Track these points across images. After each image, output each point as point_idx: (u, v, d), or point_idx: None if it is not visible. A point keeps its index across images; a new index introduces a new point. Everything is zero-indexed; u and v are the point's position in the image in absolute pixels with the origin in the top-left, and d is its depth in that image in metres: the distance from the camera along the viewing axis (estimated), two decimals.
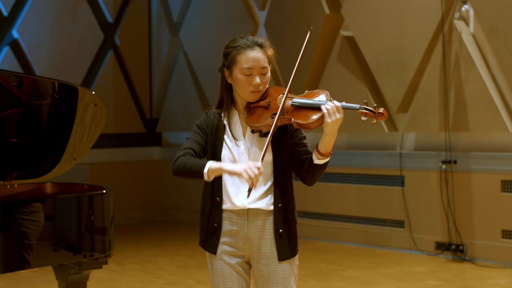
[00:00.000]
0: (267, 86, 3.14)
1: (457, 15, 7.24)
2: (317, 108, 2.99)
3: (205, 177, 3.00)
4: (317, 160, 3.04)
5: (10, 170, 4.46)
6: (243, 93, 3.11)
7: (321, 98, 3.03)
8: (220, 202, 3.12)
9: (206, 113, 3.20)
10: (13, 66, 9.35)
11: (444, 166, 7.38)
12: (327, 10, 8.31)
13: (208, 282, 6.52)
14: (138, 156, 10.52)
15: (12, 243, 3.82)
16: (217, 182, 3.12)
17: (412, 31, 7.59)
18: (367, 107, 2.98)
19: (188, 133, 3.22)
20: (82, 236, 4.09)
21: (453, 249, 7.29)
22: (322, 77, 8.19)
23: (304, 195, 8.41)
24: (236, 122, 3.15)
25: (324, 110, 2.95)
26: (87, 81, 10.05)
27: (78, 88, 4.52)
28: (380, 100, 7.94)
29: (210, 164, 3.00)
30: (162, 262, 7.48)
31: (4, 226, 3.81)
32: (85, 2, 9.97)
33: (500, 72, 7.05)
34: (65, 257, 4.06)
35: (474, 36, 7.23)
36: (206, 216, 3.17)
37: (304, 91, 3.13)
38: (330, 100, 2.99)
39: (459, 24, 7.24)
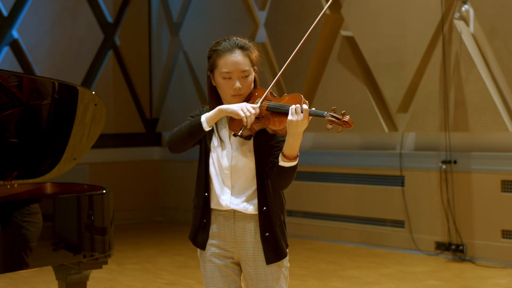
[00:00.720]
0: (252, 88, 3.11)
1: (457, 15, 7.24)
2: (287, 113, 2.95)
3: (204, 125, 3.01)
4: (282, 162, 2.99)
5: (10, 170, 4.46)
6: (225, 97, 3.10)
7: (292, 96, 3.00)
8: (209, 197, 3.15)
9: (200, 109, 3.20)
10: (13, 66, 9.35)
11: (444, 166, 7.38)
12: (327, 10, 8.30)
13: None
14: (138, 156, 10.53)
15: (11, 244, 3.82)
16: (206, 177, 3.15)
17: (412, 31, 7.59)
18: (333, 115, 2.92)
19: None
20: (82, 236, 4.09)
21: (453, 249, 7.29)
22: (322, 77, 8.19)
23: (304, 195, 8.42)
24: (224, 124, 3.14)
25: (291, 108, 2.92)
26: (87, 81, 10.05)
27: (78, 88, 4.52)
28: (380, 100, 7.94)
29: (205, 114, 3.03)
30: (162, 262, 7.48)
31: (6, 225, 3.81)
32: (85, 2, 9.97)
33: (500, 72, 7.05)
34: (65, 257, 4.06)
35: (474, 36, 7.23)
36: (198, 210, 3.20)
37: (284, 94, 3.09)
38: (303, 99, 2.97)
39: (459, 24, 7.24)
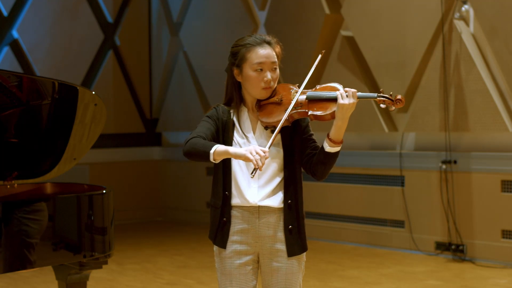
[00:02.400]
0: (277, 81, 3.17)
1: (457, 15, 7.24)
2: (332, 99, 3.05)
3: (211, 158, 3.00)
4: (328, 148, 3.07)
5: (10, 170, 4.46)
6: (254, 90, 3.13)
7: (334, 87, 3.10)
8: (229, 196, 3.14)
9: (215, 108, 3.20)
10: (13, 66, 9.35)
11: (444, 166, 7.38)
12: (327, 10, 8.31)
13: (208, 282, 6.52)
14: (138, 156, 10.53)
15: (14, 243, 3.83)
16: (227, 176, 3.14)
17: (412, 31, 7.59)
18: (384, 95, 3.07)
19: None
20: (82, 236, 4.09)
21: (453, 249, 7.29)
22: (322, 77, 8.19)
23: (304, 195, 8.39)
24: (246, 119, 3.17)
25: (339, 92, 3.02)
26: (87, 81, 10.05)
27: (78, 88, 4.52)
28: None
29: (217, 146, 3.01)
30: (162, 262, 7.48)
31: (6, 225, 3.81)
32: (85, 2, 9.97)
33: (500, 72, 7.05)
34: (65, 257, 4.06)
35: (474, 36, 7.23)
36: (217, 210, 3.18)
37: (316, 86, 3.16)
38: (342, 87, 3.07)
39: (459, 24, 7.24)
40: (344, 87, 3.11)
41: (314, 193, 8.43)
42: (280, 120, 3.04)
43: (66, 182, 4.83)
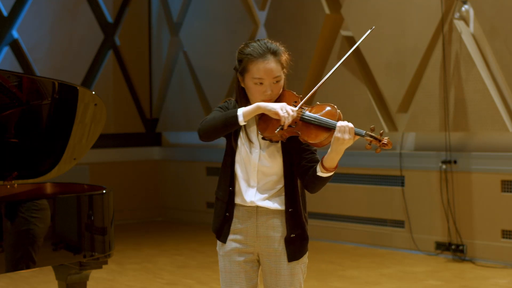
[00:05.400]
0: (281, 90, 3.13)
1: (457, 15, 7.24)
2: (326, 127, 2.99)
3: (240, 119, 3.01)
4: (320, 173, 3.05)
5: (10, 170, 4.46)
6: (255, 100, 3.11)
7: (330, 113, 3.02)
8: (233, 192, 3.15)
9: (227, 101, 3.20)
10: (13, 66, 9.35)
11: (444, 166, 7.38)
12: (327, 10, 8.31)
13: (208, 282, 6.52)
14: (138, 156, 10.52)
15: (22, 242, 3.83)
16: (232, 172, 3.15)
17: (412, 31, 7.59)
18: (371, 134, 2.98)
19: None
20: (82, 236, 4.09)
21: (453, 249, 7.29)
22: (322, 77, 8.18)
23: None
24: (252, 122, 3.15)
25: (338, 126, 2.95)
26: (87, 81, 10.05)
27: (78, 88, 4.52)
28: (380, 100, 7.94)
29: (242, 108, 3.02)
30: (162, 262, 7.48)
31: (13, 224, 3.82)
32: (85, 2, 9.96)
33: (500, 72, 7.05)
34: (65, 257, 4.06)
35: (474, 36, 7.23)
36: (223, 204, 3.19)
37: (315, 103, 3.11)
38: (339, 115, 3.01)
39: (459, 24, 7.24)
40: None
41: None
42: (275, 135, 3.01)
43: (66, 182, 4.83)
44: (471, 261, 7.13)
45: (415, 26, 7.56)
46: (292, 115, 2.96)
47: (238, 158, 3.14)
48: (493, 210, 7.10)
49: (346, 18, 8.11)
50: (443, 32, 7.30)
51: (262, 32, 9.05)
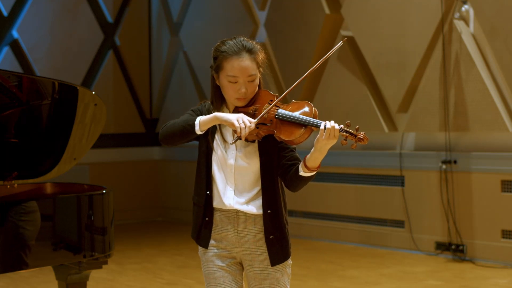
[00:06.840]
0: (257, 90, 3.08)
1: (457, 15, 7.24)
2: (300, 124, 2.92)
3: (197, 128, 2.98)
4: (303, 173, 2.99)
5: (10, 170, 4.46)
6: (229, 99, 3.07)
7: (305, 110, 2.97)
8: (211, 196, 3.12)
9: (202, 104, 3.17)
10: (13, 66, 9.35)
11: (444, 166, 7.38)
12: (327, 10, 8.31)
13: None
14: (138, 156, 10.53)
15: (9, 244, 3.82)
16: (209, 175, 3.11)
17: (412, 31, 7.59)
18: (347, 129, 2.89)
19: None
20: (82, 236, 4.09)
21: (453, 249, 7.29)
22: (322, 77, 8.19)
23: (304, 195, 8.41)
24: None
25: (322, 127, 2.88)
26: (87, 81, 10.05)
27: (78, 88, 4.52)
28: (380, 100, 7.94)
29: (202, 116, 2.99)
30: (162, 262, 7.48)
31: (1, 228, 3.81)
32: (85, 2, 9.97)
33: (500, 72, 7.05)
34: (65, 257, 4.06)
35: (474, 36, 7.23)
36: (200, 208, 3.17)
37: (291, 100, 3.07)
38: (314, 111, 2.95)
39: (459, 24, 7.24)
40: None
41: (313, 193, 8.43)
42: (250, 134, 2.93)
43: (66, 182, 4.83)
44: (471, 261, 7.13)
45: (415, 26, 7.56)
46: (249, 126, 2.88)
47: (214, 160, 3.10)
48: (493, 210, 7.10)
49: (346, 18, 8.11)
50: (443, 32, 7.30)
51: (262, 32, 9.05)
